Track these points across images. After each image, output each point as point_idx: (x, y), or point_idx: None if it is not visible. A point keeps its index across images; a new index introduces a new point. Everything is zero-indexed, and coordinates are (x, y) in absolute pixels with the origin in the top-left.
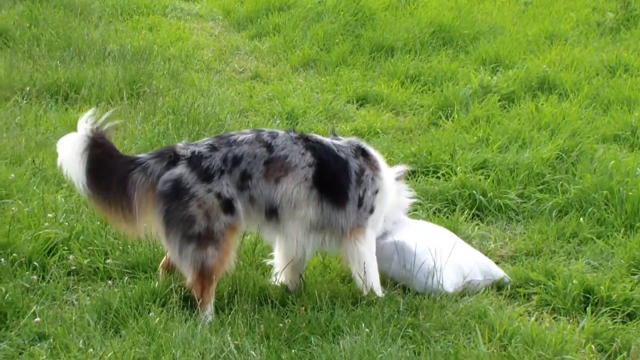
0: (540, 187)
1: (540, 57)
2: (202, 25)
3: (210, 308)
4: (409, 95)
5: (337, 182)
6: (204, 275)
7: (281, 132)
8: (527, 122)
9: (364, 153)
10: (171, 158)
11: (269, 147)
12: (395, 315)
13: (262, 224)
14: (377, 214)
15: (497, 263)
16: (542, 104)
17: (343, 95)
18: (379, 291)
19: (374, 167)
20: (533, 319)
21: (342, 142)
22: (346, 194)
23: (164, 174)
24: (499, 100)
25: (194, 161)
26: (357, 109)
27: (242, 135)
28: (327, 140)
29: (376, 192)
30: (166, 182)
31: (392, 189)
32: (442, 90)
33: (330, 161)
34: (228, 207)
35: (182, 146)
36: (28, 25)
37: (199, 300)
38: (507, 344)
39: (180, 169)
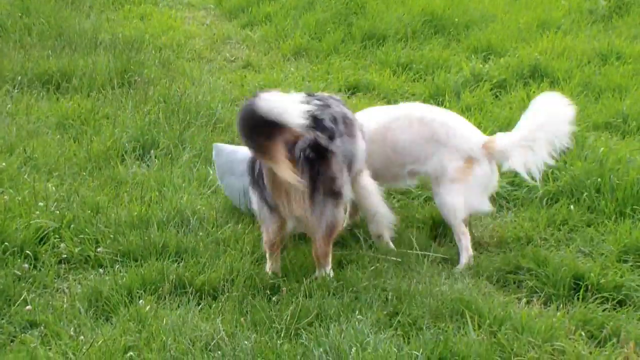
0: None
1: (532, 45)
2: (193, 14)
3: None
4: (401, 84)
5: None
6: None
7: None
8: (518, 110)
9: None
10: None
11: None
12: (384, 303)
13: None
14: None
15: (486, 250)
16: (533, 92)
17: (335, 84)
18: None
19: None
20: (523, 305)
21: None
22: None
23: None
24: (491, 89)
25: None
26: (348, 97)
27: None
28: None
29: None
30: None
31: None
32: (433, 79)
33: None
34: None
35: None
36: (19, 14)
37: (325, 258)
38: (496, 331)
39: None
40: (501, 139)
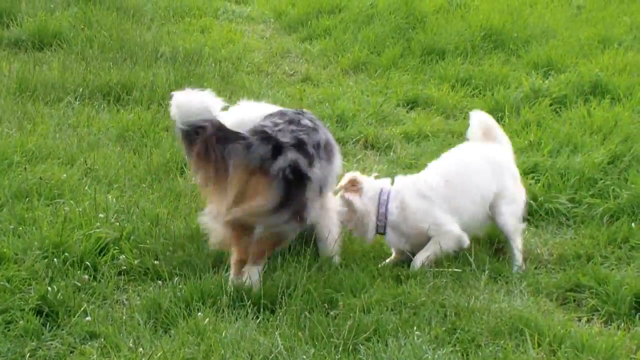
0: (592, 192)
1: (592, 61)
2: (253, 27)
3: None
4: (460, 99)
5: None
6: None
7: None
8: (578, 126)
9: None
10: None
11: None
12: (443, 319)
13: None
14: None
15: (546, 267)
16: (594, 108)
17: (393, 99)
18: None
19: None
20: (583, 324)
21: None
22: None
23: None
24: (551, 105)
25: (301, 147)
26: (407, 112)
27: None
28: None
29: None
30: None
31: None
32: (493, 94)
33: None
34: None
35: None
36: (82, 27)
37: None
38: (556, 349)
39: (292, 155)
40: None
